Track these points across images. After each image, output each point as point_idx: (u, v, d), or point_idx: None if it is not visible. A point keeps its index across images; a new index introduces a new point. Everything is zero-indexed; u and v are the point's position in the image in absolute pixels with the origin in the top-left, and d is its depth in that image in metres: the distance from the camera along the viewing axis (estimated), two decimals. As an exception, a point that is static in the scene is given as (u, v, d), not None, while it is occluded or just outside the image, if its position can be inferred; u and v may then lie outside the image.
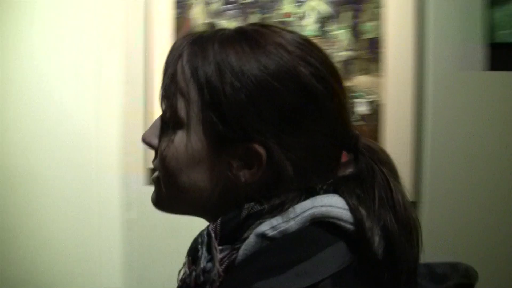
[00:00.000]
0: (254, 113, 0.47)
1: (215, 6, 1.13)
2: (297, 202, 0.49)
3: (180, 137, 0.51)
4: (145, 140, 0.55)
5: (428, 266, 0.51)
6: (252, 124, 0.48)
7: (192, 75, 0.49)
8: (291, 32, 0.52)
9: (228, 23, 1.11)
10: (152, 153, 0.54)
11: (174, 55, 0.51)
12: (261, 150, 0.48)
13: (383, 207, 0.48)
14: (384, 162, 0.51)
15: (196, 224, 0.53)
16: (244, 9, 1.11)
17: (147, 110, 1.19)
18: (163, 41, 1.16)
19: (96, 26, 1.24)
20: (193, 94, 0.49)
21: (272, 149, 0.48)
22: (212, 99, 0.48)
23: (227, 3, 1.12)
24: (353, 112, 0.61)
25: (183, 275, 0.53)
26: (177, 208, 0.55)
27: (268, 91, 0.47)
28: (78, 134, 1.24)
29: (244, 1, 1.11)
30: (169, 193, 0.53)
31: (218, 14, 1.12)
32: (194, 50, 0.50)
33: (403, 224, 0.47)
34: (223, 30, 0.52)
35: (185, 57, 0.50)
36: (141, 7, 1.19)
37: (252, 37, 0.50)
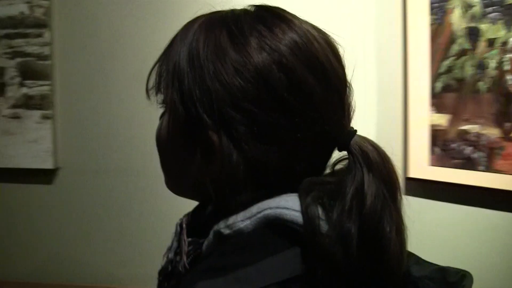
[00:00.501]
0: (211, 98, 0.46)
1: (475, 10, 1.06)
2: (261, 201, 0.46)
3: (163, 120, 0.53)
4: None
5: (443, 271, 0.46)
6: (207, 110, 0.46)
7: (170, 60, 0.50)
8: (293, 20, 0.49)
9: (489, 26, 1.03)
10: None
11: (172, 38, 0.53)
12: (214, 137, 0.47)
13: (348, 215, 0.43)
14: (374, 165, 0.46)
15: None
16: (507, 11, 1.00)
17: (406, 117, 1.21)
18: (420, 49, 1.16)
19: (352, 34, 1.31)
20: (169, 79, 0.50)
21: (223, 138, 0.46)
22: (179, 82, 0.48)
23: (488, 6, 1.03)
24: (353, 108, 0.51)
25: (163, 264, 0.56)
26: (177, 190, 0.55)
27: (228, 81, 0.46)
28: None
29: (509, 2, 1.00)
30: (165, 176, 0.55)
31: (479, 18, 1.05)
32: (182, 32, 0.51)
33: (371, 235, 0.43)
34: (219, 12, 0.51)
35: (174, 41, 0.52)
36: (398, 14, 1.21)
37: (235, 25, 0.48)
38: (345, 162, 0.49)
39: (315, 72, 0.47)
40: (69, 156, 1.52)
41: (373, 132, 1.29)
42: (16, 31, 1.49)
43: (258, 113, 0.46)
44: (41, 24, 1.47)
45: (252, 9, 0.51)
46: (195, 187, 0.52)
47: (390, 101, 1.26)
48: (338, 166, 0.50)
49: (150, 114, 0.62)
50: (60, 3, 1.48)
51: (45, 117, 1.50)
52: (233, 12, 0.51)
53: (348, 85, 0.51)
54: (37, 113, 1.50)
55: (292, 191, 0.47)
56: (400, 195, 0.48)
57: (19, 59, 1.49)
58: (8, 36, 1.49)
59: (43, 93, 1.49)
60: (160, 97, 0.52)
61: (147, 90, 0.53)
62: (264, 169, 0.47)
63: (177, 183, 0.55)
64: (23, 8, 1.48)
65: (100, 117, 1.50)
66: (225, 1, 0.60)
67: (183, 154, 0.51)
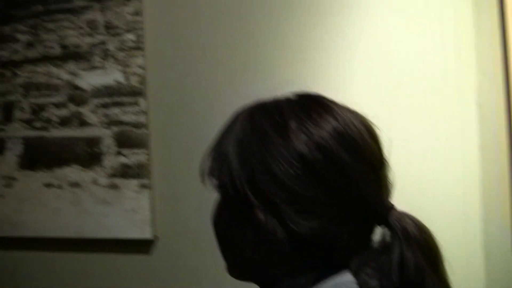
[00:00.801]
0: (256, 181, 0.52)
1: None
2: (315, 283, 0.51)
3: (216, 203, 0.59)
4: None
5: None
6: (254, 192, 0.52)
7: (219, 147, 0.57)
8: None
9: None
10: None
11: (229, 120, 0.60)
12: (261, 216, 0.52)
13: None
14: (413, 239, 0.49)
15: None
16: None
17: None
18: None
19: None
20: (219, 165, 0.56)
21: (268, 216, 0.51)
22: (228, 168, 0.54)
23: None
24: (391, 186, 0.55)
25: None
26: (236, 274, 0.59)
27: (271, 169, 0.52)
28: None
29: None
30: (224, 260, 0.60)
31: None
32: (231, 122, 0.58)
33: None
34: (259, 103, 0.57)
35: (223, 130, 0.59)
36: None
37: (278, 114, 0.54)
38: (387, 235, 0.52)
39: (352, 152, 0.52)
40: (167, 225, 1.48)
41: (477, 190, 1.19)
42: (112, 100, 1.47)
43: (300, 191, 0.50)
44: (137, 93, 1.45)
45: (294, 97, 0.58)
46: (250, 268, 0.56)
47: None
48: (381, 239, 0.53)
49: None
50: (154, 72, 1.45)
51: (143, 186, 1.46)
52: (275, 100, 0.57)
53: (384, 162, 0.56)
54: (135, 182, 1.47)
55: (335, 265, 0.51)
56: (443, 264, 0.51)
57: (115, 128, 1.47)
58: (104, 105, 1.47)
59: (140, 162, 1.46)
60: (214, 181, 0.58)
61: (202, 176, 0.59)
62: (308, 244, 0.51)
63: (233, 265, 0.58)
64: (119, 77, 1.45)
65: (198, 185, 1.45)
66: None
67: (235, 234, 0.55)
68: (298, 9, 1.33)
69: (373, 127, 0.56)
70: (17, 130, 1.53)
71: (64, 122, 1.50)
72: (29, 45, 1.51)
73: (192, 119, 1.44)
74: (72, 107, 1.49)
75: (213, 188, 0.59)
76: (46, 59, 1.50)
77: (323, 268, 0.52)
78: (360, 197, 0.51)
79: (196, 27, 1.42)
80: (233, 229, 0.56)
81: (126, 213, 1.48)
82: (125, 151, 1.47)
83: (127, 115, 1.46)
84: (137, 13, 1.43)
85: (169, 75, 1.45)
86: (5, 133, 1.54)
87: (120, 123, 1.47)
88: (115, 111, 1.47)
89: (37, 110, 1.52)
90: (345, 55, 1.30)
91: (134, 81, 1.44)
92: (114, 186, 1.49)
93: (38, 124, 1.52)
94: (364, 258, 0.51)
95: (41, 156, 1.52)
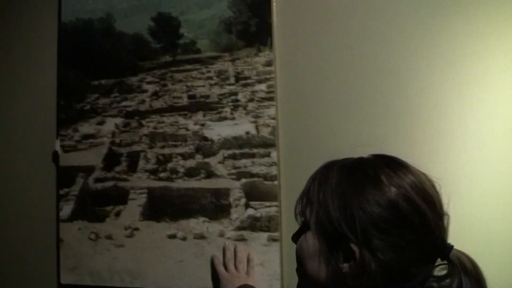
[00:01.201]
0: (355, 221, 0.65)
1: None
2: None
3: (307, 236, 0.73)
4: (292, 239, 0.82)
5: None
6: (351, 229, 0.65)
7: (316, 193, 0.71)
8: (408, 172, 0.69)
9: None
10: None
11: (311, 177, 0.76)
12: (356, 249, 0.65)
13: None
14: (469, 271, 0.64)
15: None
16: None
17: None
18: None
19: None
20: (316, 207, 0.70)
21: (363, 250, 0.64)
22: (325, 210, 0.69)
23: None
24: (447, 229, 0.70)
25: None
26: None
27: (368, 214, 0.65)
28: None
29: None
30: (301, 281, 0.78)
31: None
32: (323, 174, 0.73)
33: None
34: (349, 160, 0.73)
35: (316, 179, 0.73)
36: None
37: (370, 168, 0.70)
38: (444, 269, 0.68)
39: (427, 202, 0.67)
40: (296, 280, 1.43)
41: None
42: (241, 151, 1.44)
43: (391, 230, 0.64)
44: (268, 144, 1.41)
45: (376, 157, 0.73)
46: None
47: None
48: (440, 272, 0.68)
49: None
50: (286, 123, 1.42)
51: (272, 240, 1.42)
52: (363, 158, 0.73)
53: (444, 211, 0.70)
54: (264, 235, 1.43)
55: None
56: None
57: (244, 180, 1.44)
58: (233, 157, 1.44)
59: (270, 215, 1.42)
60: (301, 219, 0.78)
61: (295, 215, 0.79)
62: (392, 272, 0.64)
63: (312, 285, 0.73)
64: (250, 127, 1.43)
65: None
66: None
67: (326, 261, 0.69)
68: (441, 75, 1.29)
69: (435, 182, 0.71)
70: (142, 181, 1.52)
71: (191, 173, 1.47)
72: (156, 95, 1.50)
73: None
74: (199, 158, 1.47)
75: (301, 223, 0.79)
76: (173, 109, 1.48)
77: None
78: (433, 237, 0.67)
79: (327, 77, 1.39)
80: (325, 257, 0.70)
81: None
82: (254, 203, 1.43)
83: (258, 166, 1.42)
84: (268, 63, 1.41)
85: (300, 126, 1.41)
86: (130, 183, 1.53)
87: (250, 174, 1.43)
88: (244, 163, 1.44)
89: (163, 160, 1.50)
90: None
91: (265, 132, 1.41)
92: (242, 239, 1.45)
93: (163, 175, 1.50)
94: (431, 283, 0.65)
95: (165, 207, 1.50)
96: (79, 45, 1.59)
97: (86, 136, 1.57)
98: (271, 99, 1.41)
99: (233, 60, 1.43)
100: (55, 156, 1.62)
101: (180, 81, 1.48)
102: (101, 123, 1.56)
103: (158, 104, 1.50)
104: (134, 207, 1.52)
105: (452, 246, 0.68)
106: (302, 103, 1.41)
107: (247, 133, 1.43)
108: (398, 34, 1.33)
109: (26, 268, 1.69)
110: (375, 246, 0.64)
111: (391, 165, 0.70)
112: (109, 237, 1.54)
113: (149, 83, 1.51)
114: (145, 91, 1.51)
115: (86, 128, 1.57)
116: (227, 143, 1.45)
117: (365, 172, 0.69)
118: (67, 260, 1.58)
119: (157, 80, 1.50)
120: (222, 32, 1.43)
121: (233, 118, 1.43)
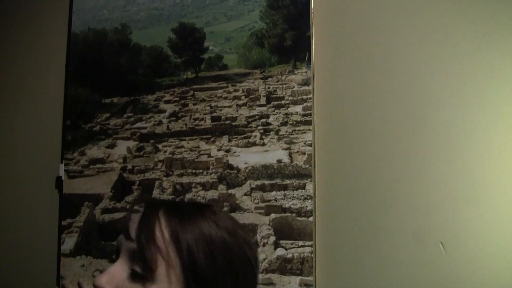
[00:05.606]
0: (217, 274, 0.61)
1: None
2: None
3: None
4: (98, 286, 0.61)
5: None
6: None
7: (172, 240, 0.60)
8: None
9: None
10: None
11: (150, 219, 0.62)
12: None
13: None
14: None
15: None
16: None
17: None
18: None
19: None
20: (173, 256, 0.60)
21: None
22: (190, 263, 0.60)
23: None
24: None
25: None
26: None
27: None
28: None
29: None
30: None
31: None
32: (172, 217, 0.62)
33: None
34: (187, 204, 0.66)
35: (163, 223, 0.61)
36: None
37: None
38: None
39: None
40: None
41: None
42: (272, 182, 1.26)
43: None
44: (303, 174, 1.23)
45: None
46: None
47: None
48: None
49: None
50: (323, 151, 1.24)
51: (305, 285, 1.23)
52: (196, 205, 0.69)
53: None
54: (295, 280, 1.24)
55: None
56: None
57: (274, 215, 1.26)
58: (261, 188, 1.27)
59: (303, 256, 1.23)
60: (150, 272, 0.64)
61: None
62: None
63: None
64: (282, 155, 1.25)
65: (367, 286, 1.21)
66: None
67: None
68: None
69: None
70: (156, 213, 1.34)
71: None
72: (175, 116, 1.33)
73: (364, 207, 1.21)
74: (223, 189, 1.29)
75: None
76: (194, 132, 1.32)
77: None
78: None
79: (372, 99, 1.21)
80: None
81: (284, 316, 1.24)
82: (285, 242, 1.25)
83: (290, 200, 1.24)
84: (305, 82, 1.24)
85: (340, 155, 1.23)
86: (142, 215, 1.35)
87: (280, 209, 1.25)
88: (275, 195, 1.26)
89: (180, 190, 1.32)
90: None
91: (300, 160, 1.24)
92: (269, 283, 1.26)
93: (180, 207, 1.32)
94: None
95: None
96: (90, 58, 1.44)
97: (94, 161, 1.42)
98: (307, 122, 1.24)
99: (264, 78, 1.28)
100: (59, 182, 1.45)
101: (203, 100, 1.32)
102: (111, 146, 1.41)
103: (177, 126, 1.34)
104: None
105: None
106: (343, 128, 1.23)
107: (279, 161, 1.26)
108: (452, 55, 1.16)
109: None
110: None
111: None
112: (116, 277, 1.36)
113: (167, 102, 1.36)
114: (163, 111, 1.36)
115: (95, 151, 1.41)
116: (255, 172, 1.28)
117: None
118: (67, 301, 1.41)
119: (176, 99, 1.35)
120: (253, 46, 1.27)
121: (263, 144, 1.27)
